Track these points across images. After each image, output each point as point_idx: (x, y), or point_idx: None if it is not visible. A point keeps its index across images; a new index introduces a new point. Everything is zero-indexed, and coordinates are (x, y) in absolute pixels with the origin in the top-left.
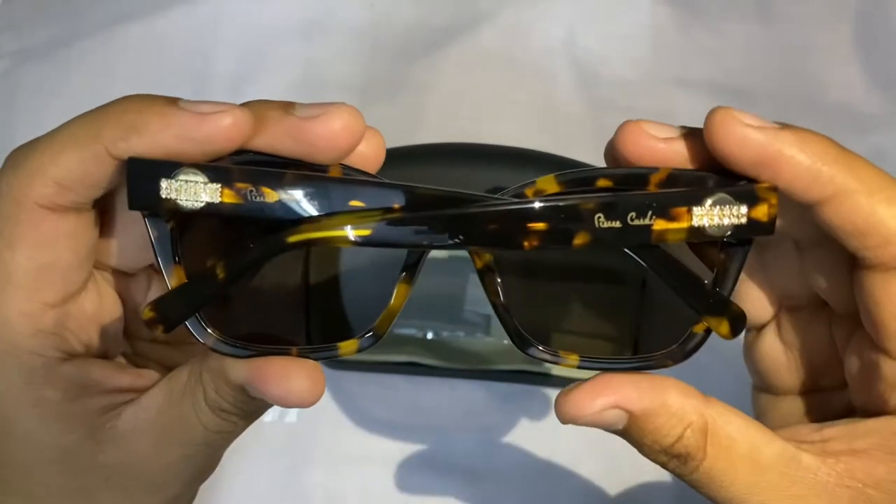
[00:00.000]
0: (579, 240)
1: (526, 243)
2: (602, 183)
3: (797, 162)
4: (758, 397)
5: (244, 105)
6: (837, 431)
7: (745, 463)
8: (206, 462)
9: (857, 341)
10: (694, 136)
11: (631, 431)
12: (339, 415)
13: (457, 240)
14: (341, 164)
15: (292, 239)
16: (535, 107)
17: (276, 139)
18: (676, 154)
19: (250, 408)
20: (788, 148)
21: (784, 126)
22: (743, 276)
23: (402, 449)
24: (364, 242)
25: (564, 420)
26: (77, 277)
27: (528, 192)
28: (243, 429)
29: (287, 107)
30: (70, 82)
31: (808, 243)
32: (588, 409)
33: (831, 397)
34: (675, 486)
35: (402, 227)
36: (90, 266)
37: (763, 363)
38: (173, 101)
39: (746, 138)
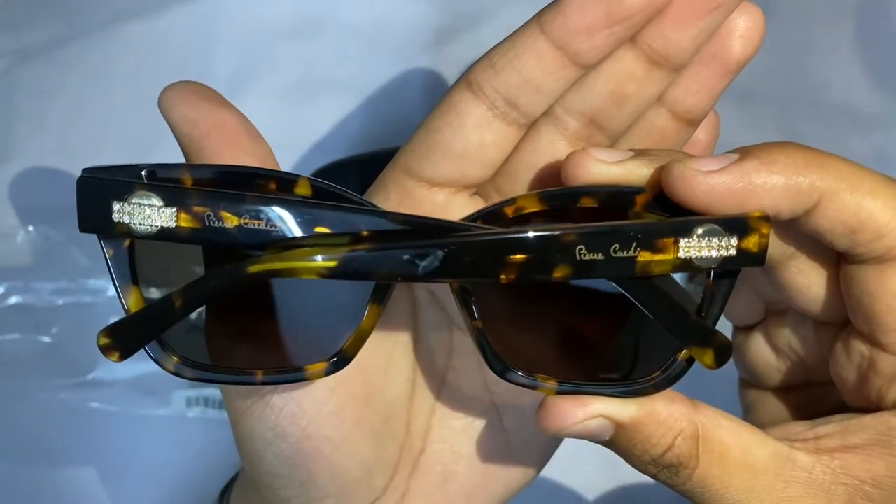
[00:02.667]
0: (559, 273)
1: (503, 276)
2: (586, 202)
3: (773, 185)
4: (746, 393)
5: None
6: (831, 428)
7: (740, 468)
8: None
9: (844, 341)
10: (645, 155)
11: (618, 442)
12: None
13: (429, 272)
14: (310, 178)
15: (254, 269)
16: None
17: None
18: (632, 176)
19: None
20: (758, 176)
21: (743, 153)
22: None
23: None
24: (330, 275)
25: (547, 431)
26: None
27: (509, 210)
28: None
29: None
30: (70, 82)
31: (777, 261)
32: (572, 419)
33: (824, 392)
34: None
35: (369, 259)
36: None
37: (753, 363)
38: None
39: (713, 188)
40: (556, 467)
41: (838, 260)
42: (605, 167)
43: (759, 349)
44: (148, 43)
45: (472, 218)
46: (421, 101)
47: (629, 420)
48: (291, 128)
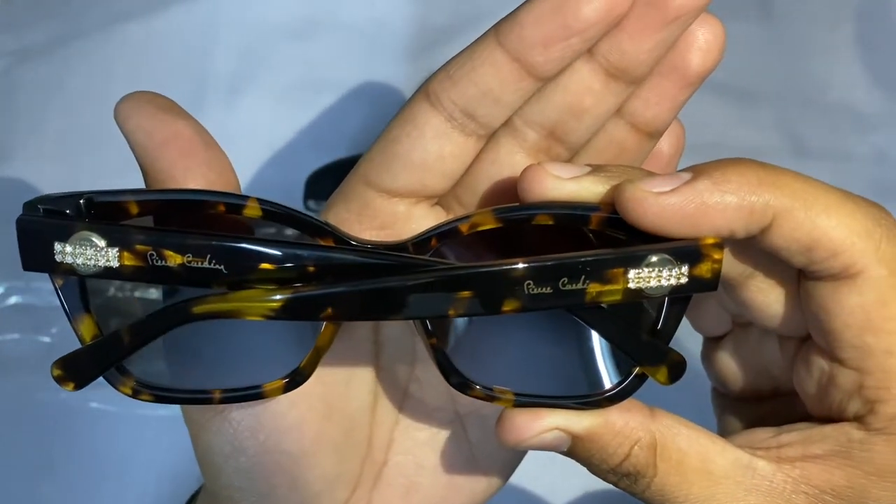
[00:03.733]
0: (508, 307)
1: (451, 312)
2: (541, 219)
3: (725, 205)
4: (718, 401)
5: None
6: (794, 437)
7: (698, 475)
8: None
9: (805, 354)
10: (601, 172)
11: (576, 453)
12: None
13: (376, 313)
14: (259, 199)
15: (198, 310)
16: None
17: None
18: (587, 192)
19: None
20: (710, 196)
21: (694, 172)
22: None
23: None
24: (275, 317)
25: (506, 444)
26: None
27: (463, 227)
28: None
29: None
30: (69, 82)
31: (735, 280)
32: (528, 431)
33: (791, 402)
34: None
35: (315, 300)
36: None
37: (721, 372)
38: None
39: (664, 210)
40: (556, 467)
41: (797, 276)
42: (560, 183)
43: (727, 359)
44: (147, 43)
45: (427, 235)
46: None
47: (584, 431)
48: (291, 127)
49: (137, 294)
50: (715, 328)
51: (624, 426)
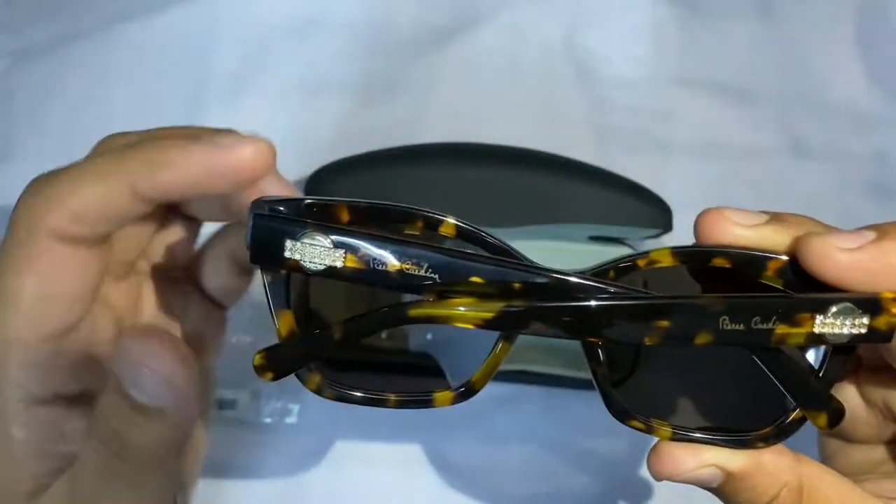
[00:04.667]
0: (700, 339)
1: (647, 340)
2: (718, 262)
3: None
4: (827, 441)
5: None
6: None
7: None
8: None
9: None
10: (780, 221)
11: (725, 490)
12: (338, 414)
13: (577, 331)
14: (454, 219)
15: (414, 313)
16: (535, 107)
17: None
18: (767, 241)
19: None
20: (894, 258)
21: (879, 233)
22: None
23: (402, 449)
24: (485, 326)
25: (660, 476)
26: (79, 309)
27: (641, 262)
28: (179, 436)
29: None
30: (69, 82)
31: None
32: (684, 466)
33: None
34: (675, 487)
35: (522, 315)
36: (93, 299)
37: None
38: (195, 136)
39: (850, 266)
40: (557, 467)
41: None
42: (740, 230)
43: (850, 403)
44: (148, 43)
45: (606, 266)
46: (421, 100)
47: (738, 470)
48: (291, 128)
49: (332, 299)
50: None
51: (775, 468)
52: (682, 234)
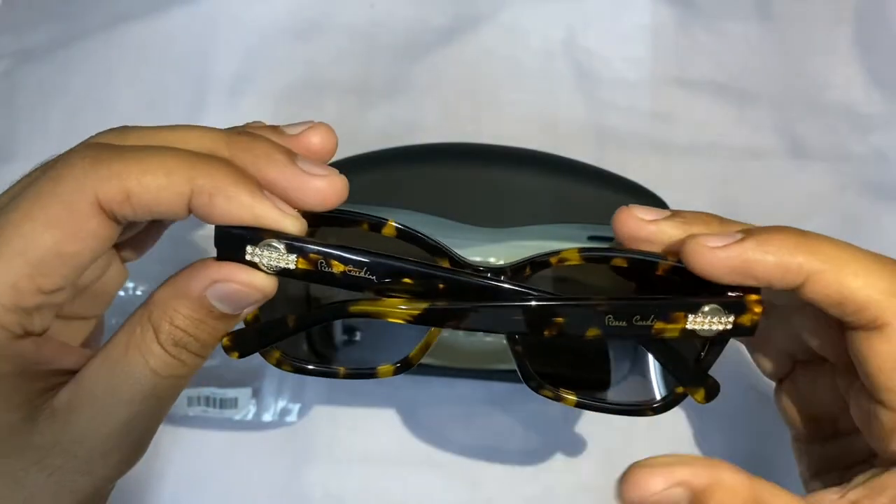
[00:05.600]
0: (591, 333)
1: (547, 332)
2: (617, 262)
3: (765, 262)
4: (794, 446)
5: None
6: (859, 492)
7: None
8: (145, 428)
9: (856, 391)
10: (678, 218)
11: None
12: (338, 414)
13: (488, 327)
14: (395, 223)
15: (353, 310)
16: (535, 107)
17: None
18: (663, 234)
19: (205, 333)
20: (753, 254)
21: (748, 233)
22: (760, 335)
23: (402, 449)
24: (413, 322)
25: (629, 501)
26: (79, 274)
27: (553, 259)
28: (192, 372)
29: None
30: (70, 82)
31: (795, 309)
32: (654, 487)
33: (853, 441)
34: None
35: (444, 313)
36: (96, 272)
37: (786, 413)
38: (258, 189)
39: (716, 260)
40: (556, 467)
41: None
42: (642, 224)
43: (789, 399)
44: (149, 44)
45: (524, 263)
46: (421, 101)
47: (703, 486)
48: None
49: (287, 294)
50: (776, 369)
51: (733, 484)
52: None
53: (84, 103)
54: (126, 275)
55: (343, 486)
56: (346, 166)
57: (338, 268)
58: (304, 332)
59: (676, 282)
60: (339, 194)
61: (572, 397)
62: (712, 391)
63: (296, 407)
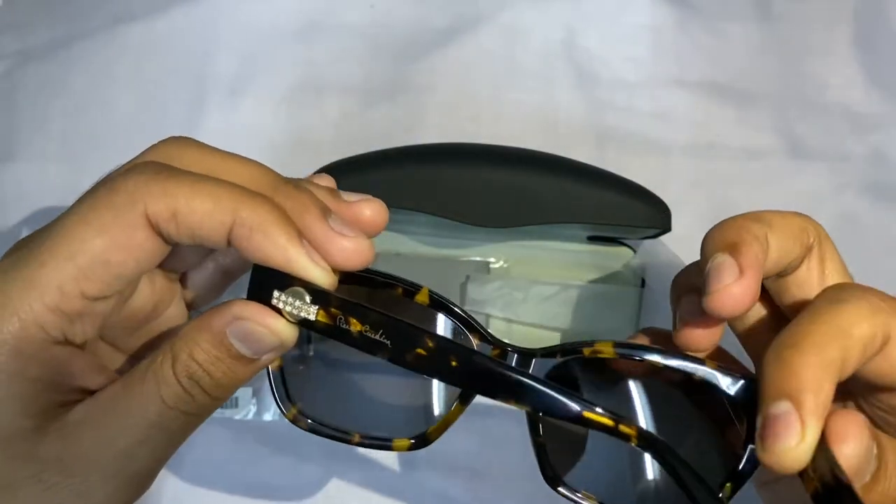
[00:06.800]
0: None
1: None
2: (654, 357)
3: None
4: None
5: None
6: None
7: None
8: (148, 460)
9: None
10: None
11: None
12: None
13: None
14: (429, 291)
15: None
16: (535, 107)
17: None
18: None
19: (220, 371)
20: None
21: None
22: None
23: None
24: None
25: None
26: (121, 286)
27: (586, 350)
28: (201, 411)
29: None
30: (71, 83)
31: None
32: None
33: None
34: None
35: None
36: (138, 286)
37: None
38: (296, 235)
39: (793, 457)
40: None
41: None
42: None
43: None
44: (149, 44)
45: (554, 349)
46: (421, 101)
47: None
48: (292, 128)
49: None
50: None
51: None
52: (680, 234)
53: (84, 103)
54: (187, 319)
55: (343, 486)
56: (346, 166)
57: (355, 326)
58: (324, 395)
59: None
60: (364, 257)
61: (593, 503)
62: None
63: None
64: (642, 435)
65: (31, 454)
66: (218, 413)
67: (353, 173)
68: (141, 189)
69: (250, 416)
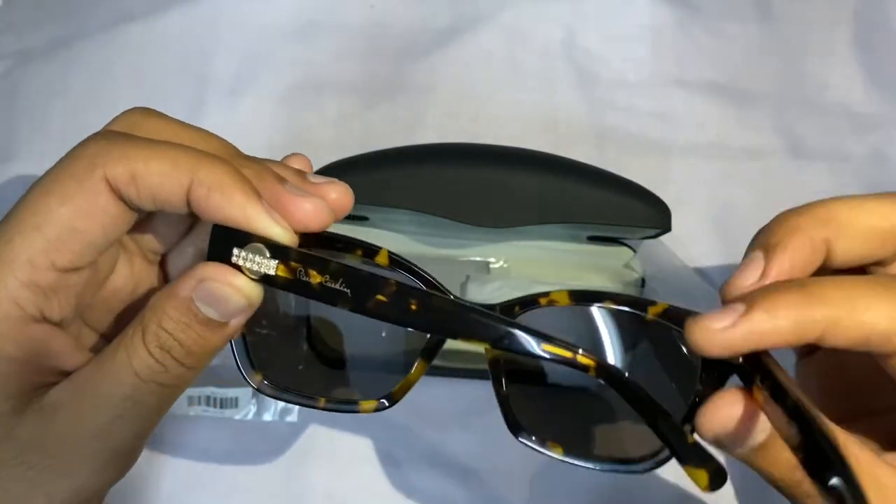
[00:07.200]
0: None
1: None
2: (607, 303)
3: (780, 330)
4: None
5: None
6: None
7: None
8: (127, 435)
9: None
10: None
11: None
12: (338, 414)
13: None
14: (389, 252)
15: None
16: (535, 107)
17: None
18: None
19: (190, 339)
20: (764, 325)
21: (747, 305)
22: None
23: (402, 449)
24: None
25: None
26: (90, 255)
27: (542, 300)
28: (175, 382)
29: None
30: (71, 83)
31: None
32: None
33: (887, 421)
34: (674, 486)
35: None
36: (108, 253)
37: (810, 391)
38: (253, 193)
39: (727, 341)
40: (556, 467)
41: None
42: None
43: (813, 376)
44: (149, 44)
45: (513, 302)
46: (421, 101)
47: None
48: (292, 128)
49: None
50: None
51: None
52: (680, 234)
53: (84, 103)
54: None
55: (343, 486)
56: (346, 166)
57: (315, 278)
58: (288, 361)
59: (669, 331)
60: (322, 218)
61: (559, 449)
62: (719, 477)
63: (296, 407)
64: (601, 365)
65: (9, 436)
66: (218, 413)
67: (352, 173)
68: (102, 154)
69: (250, 416)
